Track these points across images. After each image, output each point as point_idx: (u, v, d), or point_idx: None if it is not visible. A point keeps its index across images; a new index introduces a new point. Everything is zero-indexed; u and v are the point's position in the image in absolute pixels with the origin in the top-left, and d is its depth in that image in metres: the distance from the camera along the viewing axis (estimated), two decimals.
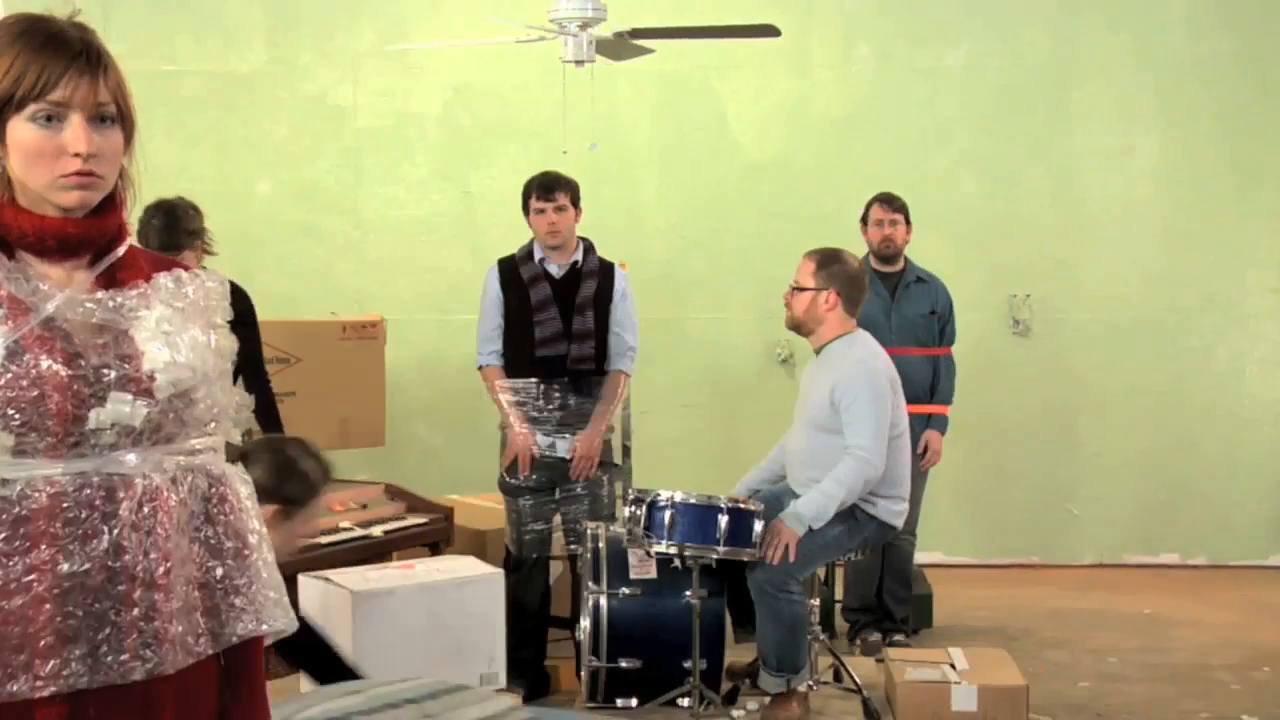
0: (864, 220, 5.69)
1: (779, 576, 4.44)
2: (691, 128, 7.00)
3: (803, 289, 4.68)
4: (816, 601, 4.76)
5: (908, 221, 5.63)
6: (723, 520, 4.34)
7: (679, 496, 4.38)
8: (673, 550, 4.39)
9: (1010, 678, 4.56)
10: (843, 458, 4.48)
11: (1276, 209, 6.95)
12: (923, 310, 5.60)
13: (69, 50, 1.68)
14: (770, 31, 5.45)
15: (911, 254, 5.71)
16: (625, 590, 4.56)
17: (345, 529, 4.47)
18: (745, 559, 4.43)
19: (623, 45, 5.34)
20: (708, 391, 7.03)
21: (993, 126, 6.96)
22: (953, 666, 4.65)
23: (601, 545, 4.65)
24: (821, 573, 5.09)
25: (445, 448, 6.96)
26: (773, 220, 6.92)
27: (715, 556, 4.40)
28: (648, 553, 4.51)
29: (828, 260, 4.68)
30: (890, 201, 5.61)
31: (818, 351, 4.74)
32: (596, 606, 4.54)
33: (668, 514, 4.35)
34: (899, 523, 4.72)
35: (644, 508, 4.38)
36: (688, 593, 4.47)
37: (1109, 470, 7.04)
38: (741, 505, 4.42)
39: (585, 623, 4.55)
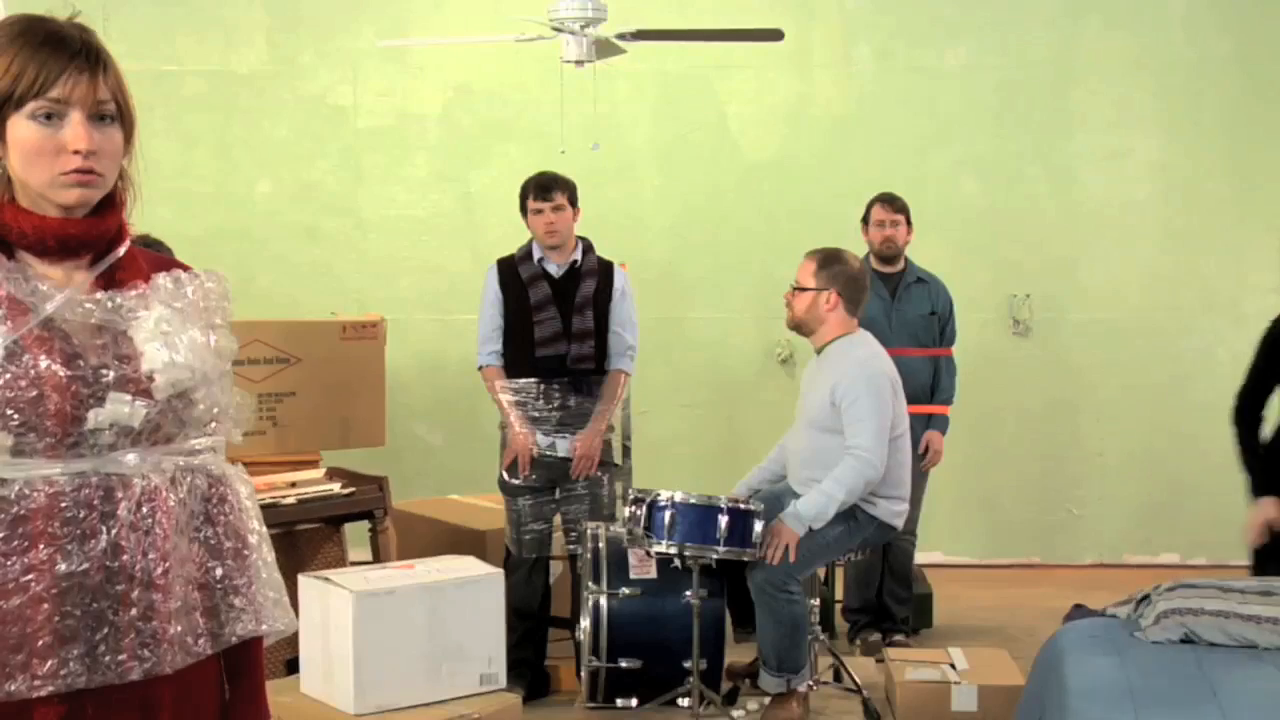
0: (865, 220, 5.69)
1: (779, 577, 4.42)
2: (691, 128, 6.99)
3: (804, 289, 4.67)
4: (816, 601, 4.75)
5: (909, 222, 5.63)
6: (723, 520, 4.32)
7: (679, 497, 4.36)
8: (673, 550, 4.37)
9: (1010, 677, 4.56)
10: (843, 458, 4.46)
11: (1276, 209, 6.94)
12: (923, 310, 5.60)
13: (68, 48, 1.69)
14: (774, 35, 5.45)
15: (912, 254, 5.71)
16: (625, 590, 4.54)
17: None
18: (745, 559, 4.41)
19: (603, 44, 5.33)
20: (708, 391, 7.02)
21: (993, 126, 6.96)
22: (952, 666, 4.65)
23: (601, 545, 4.63)
24: (821, 573, 5.08)
25: (445, 448, 6.97)
26: (773, 220, 6.92)
27: (715, 557, 4.38)
28: (648, 553, 4.51)
29: (829, 260, 4.67)
30: (892, 202, 5.62)
31: (819, 351, 4.72)
32: (596, 606, 4.52)
33: (668, 514, 4.33)
34: (899, 523, 4.70)
35: (644, 508, 4.36)
36: (688, 593, 4.45)
37: (1109, 470, 7.04)
38: (741, 505, 4.40)
39: (585, 623, 4.54)
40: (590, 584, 4.56)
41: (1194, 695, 3.25)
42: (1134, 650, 3.63)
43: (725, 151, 6.98)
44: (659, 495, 4.37)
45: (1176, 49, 6.90)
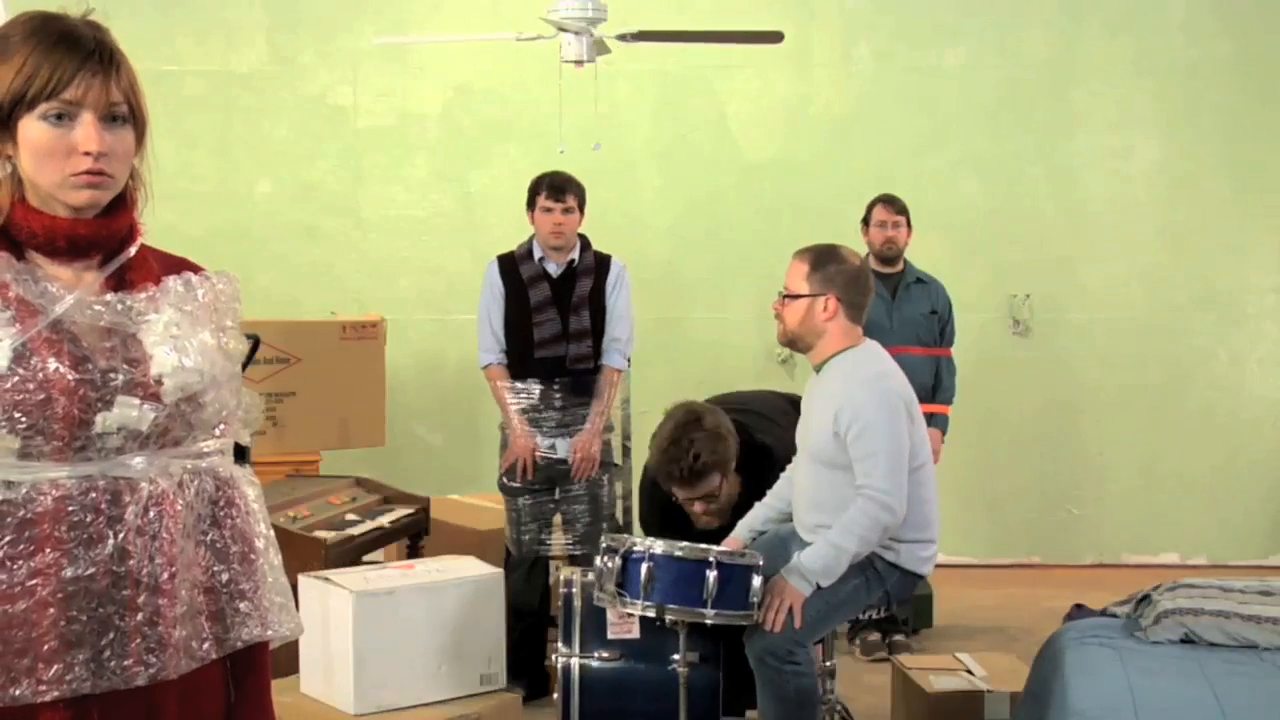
0: (865, 221, 5.70)
1: (782, 645, 3.63)
2: (691, 128, 6.99)
3: (795, 296, 3.80)
4: (831, 662, 4.02)
5: (909, 223, 5.64)
6: (711, 576, 3.48)
7: (659, 548, 3.54)
8: (650, 612, 3.54)
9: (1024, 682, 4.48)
10: (855, 501, 3.65)
11: (1276, 209, 6.95)
12: (924, 310, 5.61)
13: (82, 49, 1.68)
14: (774, 38, 5.46)
15: (911, 254, 5.71)
16: (603, 654, 3.74)
17: (355, 520, 4.59)
18: (742, 624, 3.62)
19: (599, 42, 5.34)
20: (708, 391, 6.95)
21: (993, 126, 6.96)
22: (969, 672, 4.55)
23: (575, 599, 3.81)
24: None
25: (445, 448, 6.96)
26: (773, 220, 6.91)
27: (706, 621, 3.56)
28: (661, 616, 3.64)
29: (823, 259, 3.81)
30: (893, 203, 5.63)
31: (818, 369, 3.88)
32: (567, 673, 3.72)
33: (644, 567, 3.49)
34: (927, 570, 3.87)
35: (617, 559, 3.56)
36: (674, 657, 3.64)
37: (1109, 470, 7.04)
38: (736, 560, 3.58)
39: (555, 695, 3.79)
40: (561, 646, 3.76)
41: (1194, 695, 3.26)
42: (1134, 650, 3.64)
43: (725, 151, 6.98)
44: (634, 545, 3.57)
45: (1176, 50, 6.91)
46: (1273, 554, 6.97)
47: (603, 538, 3.77)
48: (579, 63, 5.29)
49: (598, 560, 3.63)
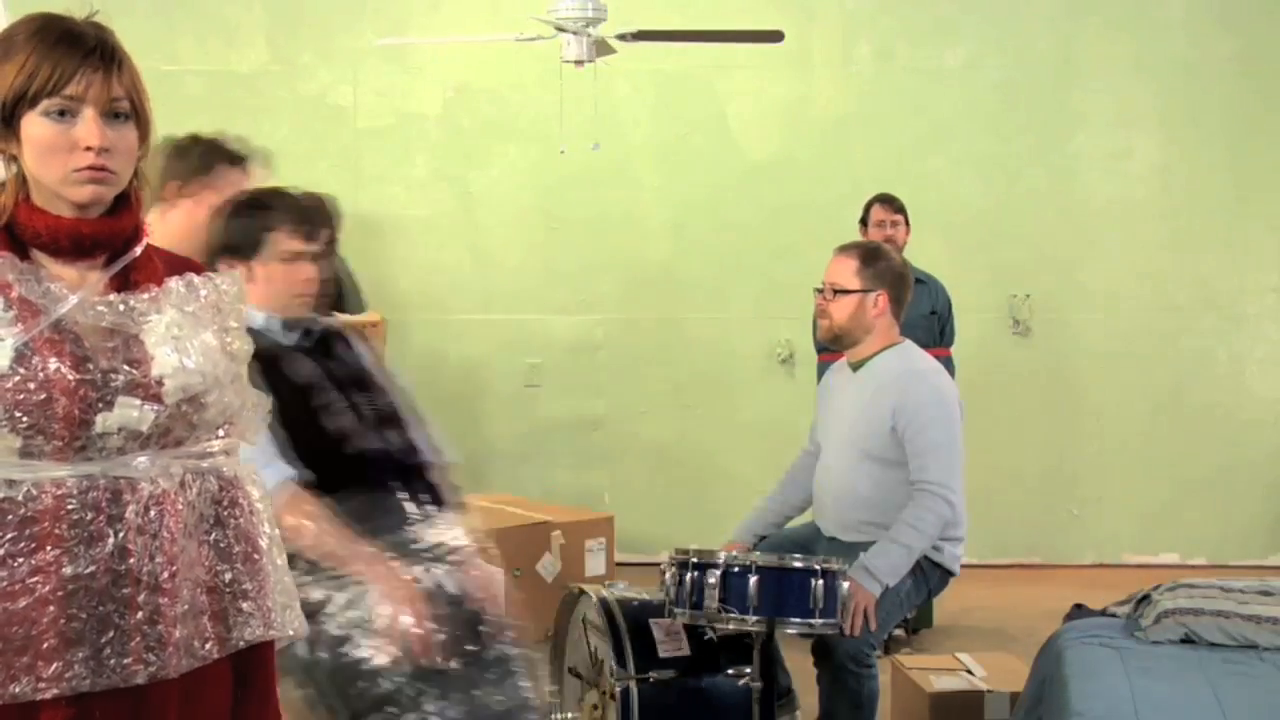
0: (863, 221, 5.70)
1: (860, 649, 3.62)
2: (691, 127, 6.99)
3: (845, 291, 3.85)
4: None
5: (907, 222, 5.65)
6: (817, 585, 3.35)
7: (760, 560, 3.42)
8: (760, 626, 3.38)
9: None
10: (914, 496, 3.70)
11: (1276, 209, 6.95)
12: (923, 310, 5.61)
13: (83, 46, 1.69)
14: (774, 37, 5.46)
15: (911, 254, 5.70)
16: (659, 674, 3.54)
17: None
18: (832, 632, 3.48)
19: (601, 43, 5.34)
20: (708, 392, 7.02)
21: (993, 126, 6.96)
22: (969, 672, 4.55)
23: (618, 618, 3.59)
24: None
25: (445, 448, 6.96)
26: (773, 220, 6.91)
27: (814, 631, 3.46)
28: (710, 628, 3.56)
29: (872, 256, 3.89)
30: (890, 202, 5.64)
31: (857, 366, 3.93)
32: (627, 698, 3.48)
33: (751, 581, 3.34)
34: (958, 568, 3.91)
35: (711, 574, 3.37)
36: (730, 670, 3.54)
37: (1109, 470, 7.04)
38: (833, 568, 3.43)
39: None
40: (613, 669, 3.54)
41: (1194, 695, 3.26)
42: (1134, 650, 3.64)
43: (725, 151, 6.98)
44: (730, 558, 3.42)
45: (1177, 49, 6.91)
46: (1273, 554, 6.97)
47: (670, 553, 3.55)
48: (579, 63, 5.31)
49: (669, 574, 3.45)
